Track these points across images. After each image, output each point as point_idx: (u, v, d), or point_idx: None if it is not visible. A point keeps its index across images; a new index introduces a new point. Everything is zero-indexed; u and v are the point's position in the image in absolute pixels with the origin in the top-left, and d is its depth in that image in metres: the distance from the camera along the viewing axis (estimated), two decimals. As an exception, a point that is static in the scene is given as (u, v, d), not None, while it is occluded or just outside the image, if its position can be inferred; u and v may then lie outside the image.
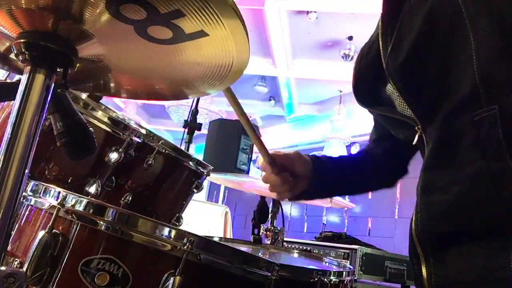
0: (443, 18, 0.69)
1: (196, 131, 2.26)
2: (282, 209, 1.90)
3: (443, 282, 0.69)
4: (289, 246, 2.67)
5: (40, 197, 0.80)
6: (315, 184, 1.02)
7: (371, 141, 1.12)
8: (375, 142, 1.11)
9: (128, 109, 6.65)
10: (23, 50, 0.60)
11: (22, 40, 0.60)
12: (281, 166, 0.99)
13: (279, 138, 6.93)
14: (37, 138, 0.62)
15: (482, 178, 0.62)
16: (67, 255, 0.72)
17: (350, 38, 4.49)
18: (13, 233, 0.79)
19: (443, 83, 0.69)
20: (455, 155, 0.67)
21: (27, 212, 0.83)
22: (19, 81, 0.62)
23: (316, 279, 0.98)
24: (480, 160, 0.62)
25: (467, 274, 0.64)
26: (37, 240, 0.71)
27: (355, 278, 1.27)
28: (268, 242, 1.77)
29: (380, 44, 0.79)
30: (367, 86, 0.93)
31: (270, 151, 1.00)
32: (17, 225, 0.81)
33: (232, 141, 3.59)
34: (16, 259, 0.76)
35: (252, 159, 3.55)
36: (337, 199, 1.93)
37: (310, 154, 1.07)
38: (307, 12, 4.14)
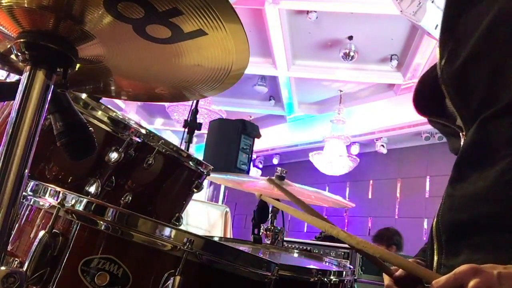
0: (504, 33, 0.71)
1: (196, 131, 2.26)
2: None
3: (449, 271, 0.70)
4: (289, 246, 2.67)
5: (40, 197, 0.80)
6: None
7: None
8: None
9: (128, 109, 6.63)
10: (23, 50, 0.60)
11: (22, 40, 0.60)
12: (409, 281, 0.79)
13: (279, 138, 6.92)
14: (37, 138, 0.62)
15: (509, 173, 0.65)
16: (67, 255, 0.72)
17: (350, 38, 4.49)
18: (13, 233, 0.79)
19: (492, 90, 0.72)
20: (487, 153, 0.70)
21: (27, 212, 0.83)
22: (19, 80, 0.62)
23: (316, 278, 0.98)
24: (510, 156, 0.65)
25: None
26: (37, 240, 0.71)
27: (355, 278, 1.27)
28: (268, 242, 1.77)
29: (438, 54, 0.80)
30: (427, 96, 0.92)
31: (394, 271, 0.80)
32: (17, 225, 0.81)
33: (232, 141, 3.59)
34: (16, 259, 0.76)
35: (252, 158, 3.55)
36: (337, 198, 1.93)
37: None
38: (307, 12, 4.13)
